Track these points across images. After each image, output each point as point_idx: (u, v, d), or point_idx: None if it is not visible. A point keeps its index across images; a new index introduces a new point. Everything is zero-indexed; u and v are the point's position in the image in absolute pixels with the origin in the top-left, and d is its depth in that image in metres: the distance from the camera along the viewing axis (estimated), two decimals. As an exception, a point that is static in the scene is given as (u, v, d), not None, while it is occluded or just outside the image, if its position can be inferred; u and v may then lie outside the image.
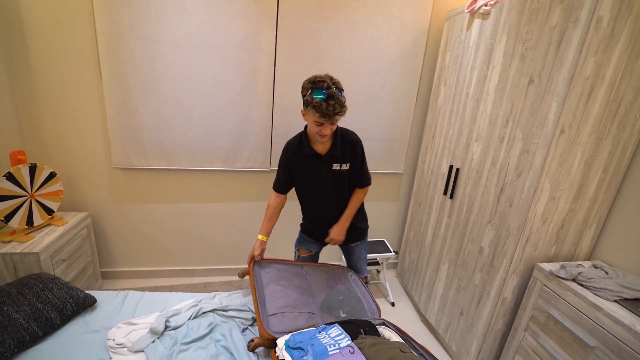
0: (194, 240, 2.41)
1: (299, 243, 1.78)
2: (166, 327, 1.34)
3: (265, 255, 1.67)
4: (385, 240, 2.48)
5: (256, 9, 1.91)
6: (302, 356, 1.05)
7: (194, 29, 1.88)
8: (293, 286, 1.51)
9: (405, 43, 2.13)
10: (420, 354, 1.15)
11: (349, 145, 1.48)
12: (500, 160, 1.54)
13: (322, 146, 1.46)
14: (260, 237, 1.57)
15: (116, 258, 2.34)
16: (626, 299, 1.23)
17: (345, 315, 1.43)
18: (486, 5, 1.65)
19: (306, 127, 1.47)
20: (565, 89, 1.25)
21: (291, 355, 1.06)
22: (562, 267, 1.39)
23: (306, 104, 1.30)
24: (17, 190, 1.71)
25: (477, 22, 1.74)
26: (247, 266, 1.62)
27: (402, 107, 2.25)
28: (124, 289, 1.65)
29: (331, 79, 1.29)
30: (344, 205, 1.57)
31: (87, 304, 1.45)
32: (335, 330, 1.16)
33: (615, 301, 1.23)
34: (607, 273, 1.36)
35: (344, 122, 2.13)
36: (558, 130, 1.29)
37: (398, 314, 2.28)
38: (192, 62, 1.94)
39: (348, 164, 1.49)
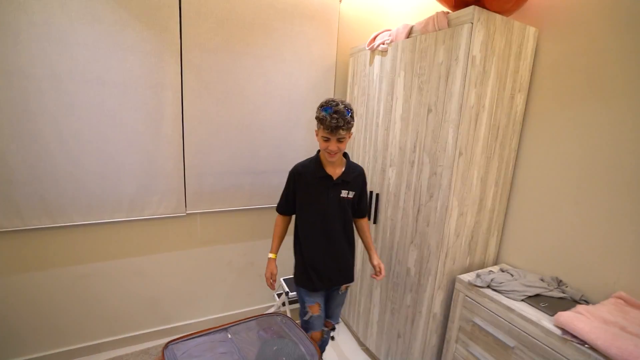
0: (96, 308, 2.00)
1: (307, 299, 1.59)
2: None
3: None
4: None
5: (156, 43, 1.78)
6: None
7: (80, 64, 1.65)
8: (218, 355, 1.35)
9: (316, 77, 2.23)
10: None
11: (358, 175, 1.60)
12: (414, 183, 1.67)
13: (333, 170, 1.53)
14: (271, 255, 1.61)
15: (-21, 352, 1.79)
16: (530, 297, 1.39)
17: None
18: (383, 44, 1.82)
19: (318, 151, 1.56)
20: (458, 117, 1.42)
21: None
22: (477, 275, 1.53)
23: (317, 120, 1.44)
24: None
25: (377, 58, 1.91)
26: (158, 342, 1.38)
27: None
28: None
29: (342, 101, 1.41)
30: (348, 235, 1.61)
31: None
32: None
33: (522, 300, 1.38)
34: (512, 275, 1.53)
35: (272, 152, 2.11)
36: (457, 152, 1.44)
37: (339, 347, 2.21)
38: (80, 101, 1.69)
39: (353, 193, 1.56)
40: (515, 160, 1.67)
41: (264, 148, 2.15)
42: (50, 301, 1.88)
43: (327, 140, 1.41)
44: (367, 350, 2.18)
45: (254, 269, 2.34)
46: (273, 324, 1.60)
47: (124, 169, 1.84)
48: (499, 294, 1.42)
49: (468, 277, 1.55)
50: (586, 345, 1.11)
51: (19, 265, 1.77)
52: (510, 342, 1.32)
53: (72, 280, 1.90)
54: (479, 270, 1.61)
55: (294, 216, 1.63)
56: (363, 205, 1.66)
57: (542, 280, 1.50)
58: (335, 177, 1.51)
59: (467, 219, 1.58)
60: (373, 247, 1.69)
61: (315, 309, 1.59)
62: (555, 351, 1.18)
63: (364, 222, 1.70)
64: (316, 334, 1.62)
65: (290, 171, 1.57)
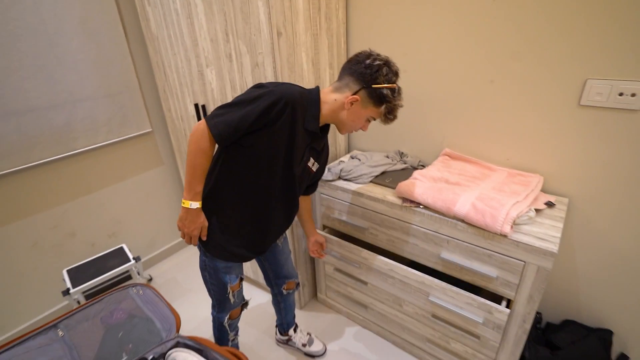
0: None
1: (229, 274, 1.19)
2: None
3: None
4: (124, 246, 1.93)
5: None
6: None
7: None
8: None
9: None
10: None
11: (326, 145, 1.21)
12: (238, 81, 1.42)
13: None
14: (197, 204, 1.03)
15: None
16: (377, 176, 1.46)
17: (127, 357, 1.13)
18: None
19: (317, 90, 1.04)
20: (261, -17, 1.15)
21: None
22: (329, 170, 1.51)
23: (378, 97, 0.98)
24: None
25: None
26: None
27: (107, 46, 1.71)
28: None
29: None
30: (288, 213, 1.20)
31: None
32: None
33: (371, 181, 1.44)
34: (360, 160, 1.57)
35: (37, 77, 1.46)
36: (275, 33, 1.23)
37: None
38: None
39: (317, 167, 1.19)
40: (347, 34, 1.56)
41: (13, 72, 1.48)
42: None
43: (369, 120, 1.07)
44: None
45: (77, 240, 1.88)
46: (124, 299, 1.35)
47: None
48: (350, 182, 1.45)
49: (320, 174, 1.53)
50: (421, 206, 1.24)
51: None
52: (364, 224, 1.41)
53: None
54: (331, 164, 1.61)
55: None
56: (317, 180, 1.31)
57: (387, 157, 1.59)
58: (318, 139, 1.12)
59: (308, 112, 1.47)
60: (314, 226, 1.45)
61: (237, 286, 1.24)
62: (400, 220, 1.29)
63: (309, 199, 1.38)
64: (235, 311, 1.31)
65: (279, 95, 0.93)
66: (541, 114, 1.24)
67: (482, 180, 1.30)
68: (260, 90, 0.94)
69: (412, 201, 1.26)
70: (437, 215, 1.19)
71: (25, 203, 1.63)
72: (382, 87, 0.96)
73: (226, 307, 1.26)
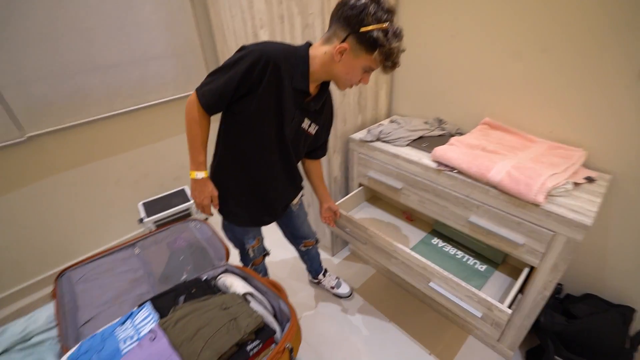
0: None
1: (246, 236, 1.31)
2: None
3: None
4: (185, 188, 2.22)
5: None
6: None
7: None
8: (117, 275, 1.34)
9: None
10: (264, 293, 1.11)
11: (327, 103, 1.13)
12: (288, 42, 1.48)
13: (312, 86, 1.00)
14: (202, 174, 1.05)
15: None
16: (414, 140, 1.49)
17: (186, 275, 1.35)
18: None
19: (307, 46, 0.97)
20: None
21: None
22: (368, 131, 1.57)
23: (368, 41, 0.84)
24: None
25: None
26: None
27: (174, 9, 1.86)
28: None
29: None
30: (291, 178, 1.21)
31: None
32: (144, 313, 1.02)
33: (408, 145, 1.48)
34: (399, 124, 1.60)
35: (114, 37, 1.65)
36: None
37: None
38: None
39: (316, 128, 1.12)
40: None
41: (99, 32, 1.69)
42: None
43: (367, 71, 0.94)
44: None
45: (149, 180, 2.18)
46: (184, 230, 1.59)
47: None
48: (387, 144, 1.50)
49: (360, 134, 1.59)
50: (455, 171, 1.27)
51: None
52: (398, 185, 1.47)
53: None
54: (370, 126, 1.65)
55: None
56: (324, 143, 1.26)
57: (425, 122, 1.59)
58: (312, 101, 1.04)
59: (353, 74, 1.51)
60: (327, 192, 1.43)
61: (255, 244, 1.35)
62: (433, 182, 1.33)
63: (317, 165, 1.32)
64: (257, 260, 1.45)
65: (259, 54, 0.89)
66: (594, 86, 1.17)
67: (520, 150, 1.29)
68: (241, 52, 0.89)
69: (446, 165, 1.29)
70: (470, 180, 1.21)
71: (110, 145, 1.92)
72: (372, 30, 0.82)
73: (247, 259, 1.42)
